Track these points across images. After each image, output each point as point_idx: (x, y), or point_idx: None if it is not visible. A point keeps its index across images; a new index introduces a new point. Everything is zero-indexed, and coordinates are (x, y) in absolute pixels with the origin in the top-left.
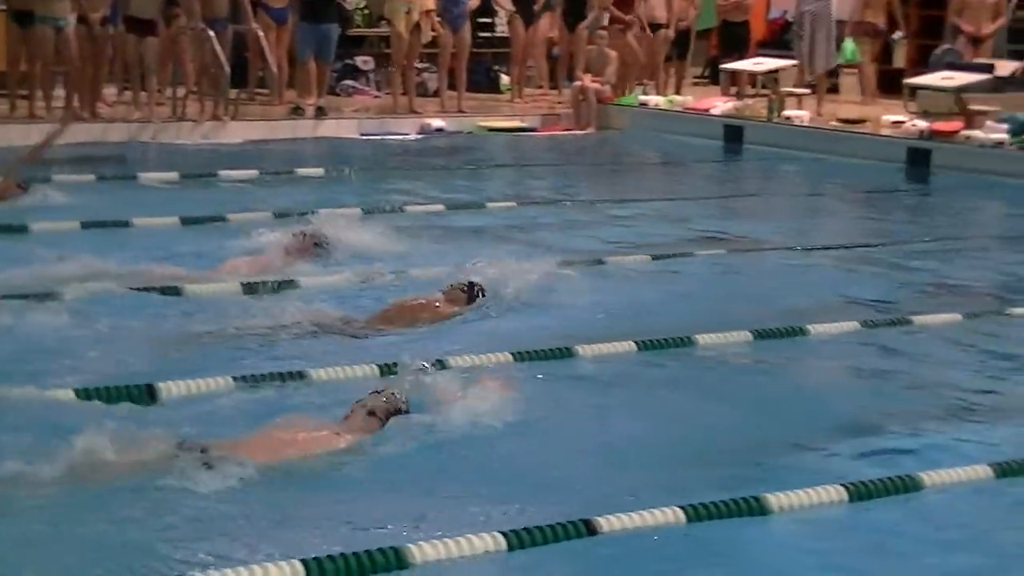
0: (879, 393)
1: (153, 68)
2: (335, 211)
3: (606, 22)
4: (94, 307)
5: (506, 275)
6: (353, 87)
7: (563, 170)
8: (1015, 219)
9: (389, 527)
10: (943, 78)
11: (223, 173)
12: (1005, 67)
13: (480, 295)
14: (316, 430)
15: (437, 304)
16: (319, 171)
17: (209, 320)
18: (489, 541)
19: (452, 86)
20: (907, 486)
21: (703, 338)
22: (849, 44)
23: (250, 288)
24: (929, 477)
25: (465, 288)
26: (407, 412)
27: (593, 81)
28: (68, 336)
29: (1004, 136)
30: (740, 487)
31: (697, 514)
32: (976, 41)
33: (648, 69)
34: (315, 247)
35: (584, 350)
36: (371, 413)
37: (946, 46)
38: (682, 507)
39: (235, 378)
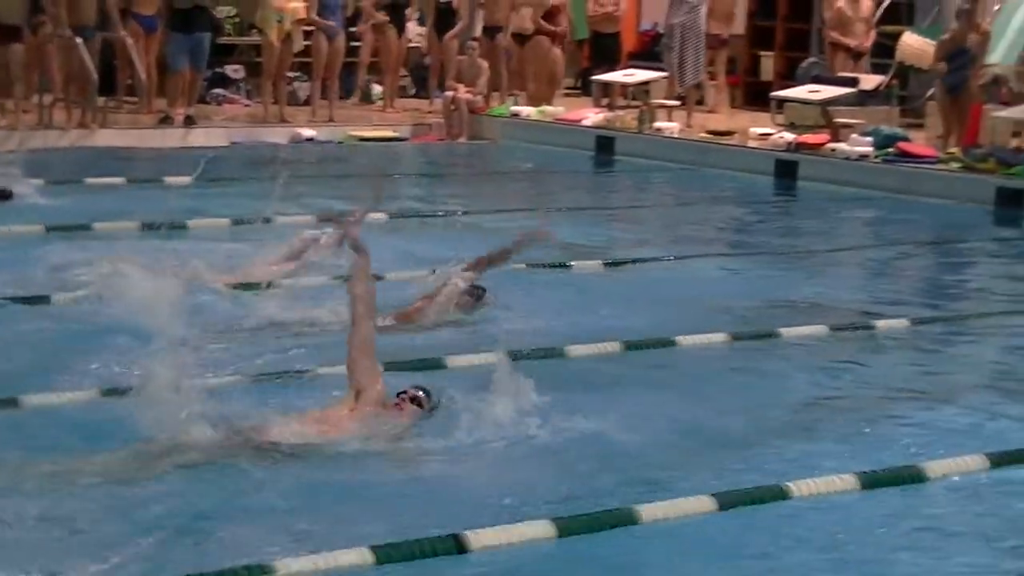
0: (745, 405)
1: (19, 75)
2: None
3: (478, 32)
4: None
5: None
6: (223, 96)
7: (434, 180)
8: (879, 231)
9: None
10: (809, 91)
11: (90, 181)
12: (869, 81)
13: (484, 295)
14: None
15: (434, 305)
16: (186, 180)
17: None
18: (356, 555)
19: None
20: (775, 495)
21: (574, 349)
22: None
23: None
24: (797, 487)
25: (470, 291)
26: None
27: (465, 91)
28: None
29: (869, 149)
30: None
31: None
32: (857, 55)
33: (519, 80)
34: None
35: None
36: (413, 400)
37: (812, 59)
38: (553, 520)
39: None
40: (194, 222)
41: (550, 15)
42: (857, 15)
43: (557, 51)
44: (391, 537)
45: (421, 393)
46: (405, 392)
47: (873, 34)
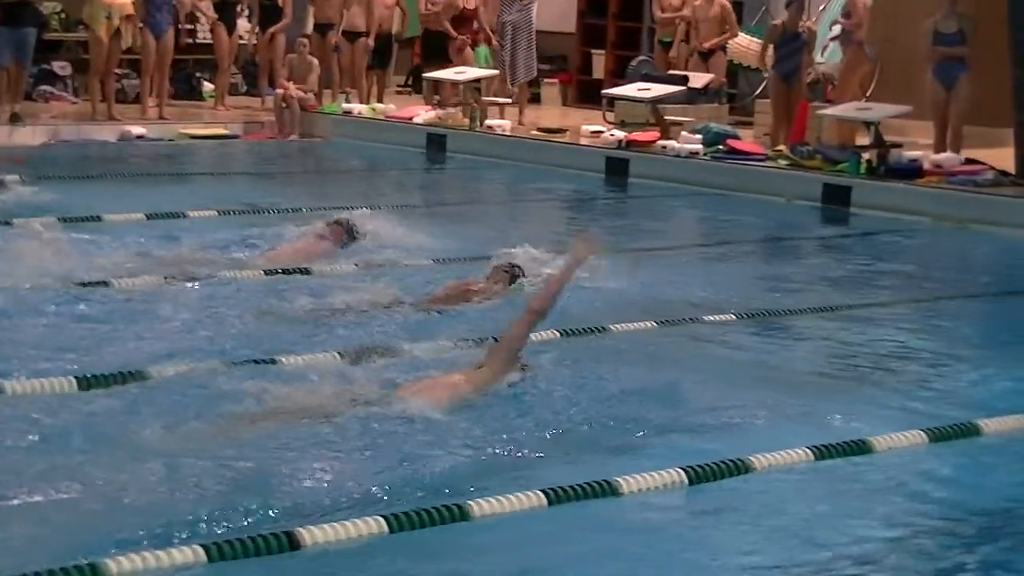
0: (572, 402)
1: None
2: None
3: (309, 29)
4: None
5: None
6: (50, 92)
7: (265, 178)
8: (708, 227)
9: None
10: (639, 89)
11: None
12: (699, 79)
13: (521, 275)
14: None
15: (481, 285)
16: (14, 177)
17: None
18: (189, 554)
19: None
20: (605, 491)
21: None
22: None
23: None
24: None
25: (507, 269)
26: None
27: (296, 89)
28: None
29: (698, 147)
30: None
31: (400, 524)
32: (706, 56)
33: (350, 77)
34: (347, 235)
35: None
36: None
37: (642, 57)
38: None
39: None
40: (19, 220)
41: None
42: (709, 15)
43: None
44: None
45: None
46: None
47: (727, 35)
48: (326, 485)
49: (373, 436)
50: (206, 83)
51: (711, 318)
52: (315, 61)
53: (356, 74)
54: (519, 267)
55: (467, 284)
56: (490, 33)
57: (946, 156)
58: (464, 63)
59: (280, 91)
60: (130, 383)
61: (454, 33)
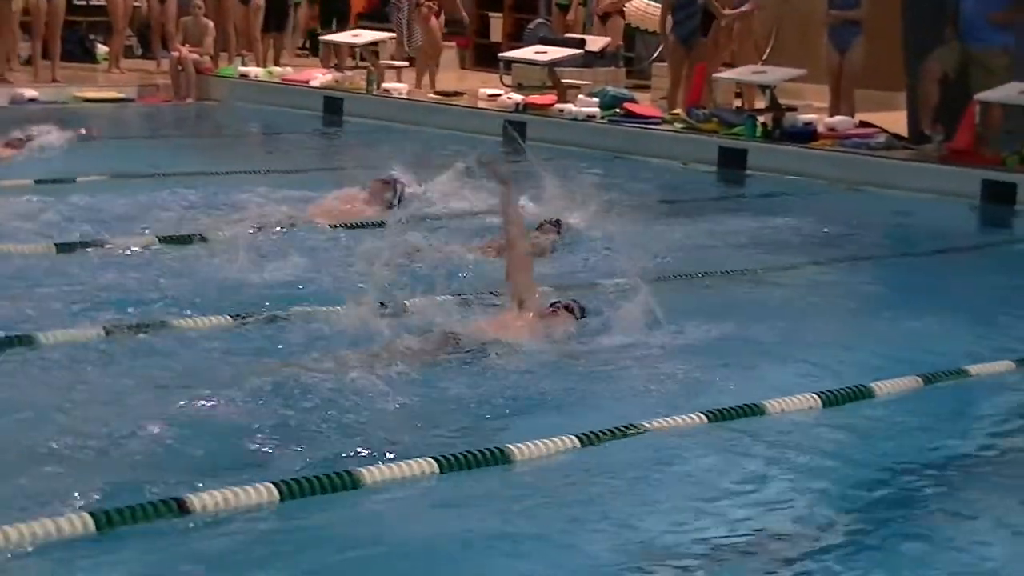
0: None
1: None
2: None
3: None
4: None
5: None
6: None
7: (160, 142)
8: (604, 191)
9: None
10: (536, 52)
11: None
12: (596, 43)
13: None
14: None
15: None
16: None
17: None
18: (77, 522)
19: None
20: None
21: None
22: None
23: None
24: (518, 450)
25: (553, 223)
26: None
27: (190, 51)
28: None
29: (595, 110)
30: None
31: (291, 491)
32: (604, 19)
33: (246, 40)
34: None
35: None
36: (567, 309)
37: (539, 20)
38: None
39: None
40: None
41: None
42: None
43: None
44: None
45: (573, 303)
46: (558, 302)
47: None
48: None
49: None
50: (100, 45)
51: (607, 282)
52: (210, 24)
53: (251, 37)
54: (559, 221)
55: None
56: None
57: (840, 119)
58: (430, 33)
59: (175, 54)
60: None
61: None
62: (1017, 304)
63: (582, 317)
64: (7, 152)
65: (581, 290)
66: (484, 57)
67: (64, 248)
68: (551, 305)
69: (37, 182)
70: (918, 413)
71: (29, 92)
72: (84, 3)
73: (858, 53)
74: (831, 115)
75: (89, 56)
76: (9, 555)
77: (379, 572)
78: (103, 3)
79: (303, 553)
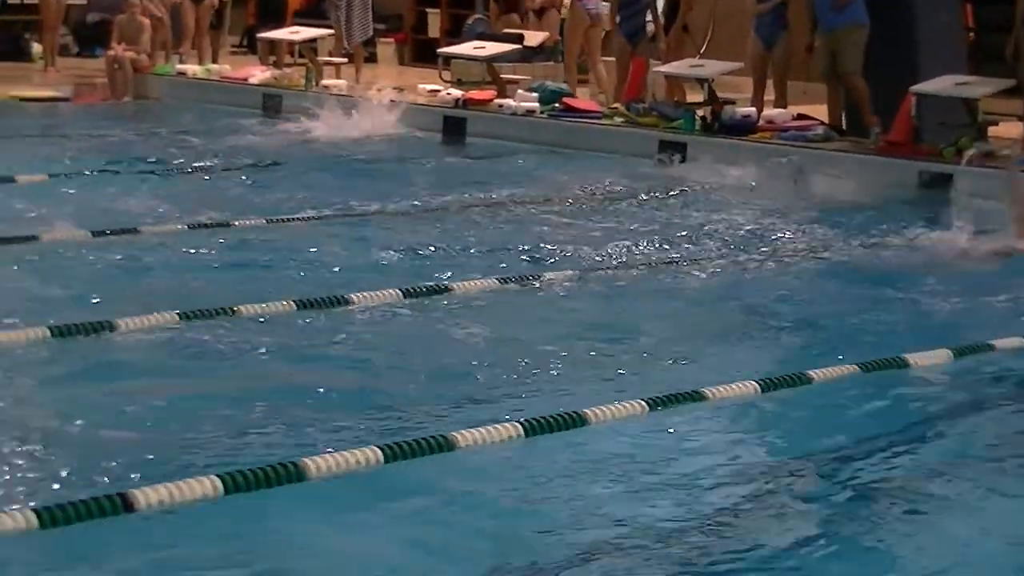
0: (417, 362)
1: None
2: None
3: None
4: None
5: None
6: None
7: (98, 141)
8: (543, 184)
9: None
10: (475, 47)
11: None
12: (534, 37)
13: None
14: None
15: None
16: None
17: None
18: (20, 519)
19: None
20: (441, 446)
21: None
22: None
23: None
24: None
25: None
26: None
27: (127, 50)
28: None
29: (535, 105)
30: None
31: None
32: (541, 12)
33: (192, 38)
34: None
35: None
36: None
37: (477, 16)
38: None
39: None
40: None
41: None
42: None
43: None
44: None
45: None
46: None
47: None
48: None
49: None
50: (35, 44)
51: (550, 275)
52: (146, 21)
53: (199, 34)
54: None
55: None
56: None
57: (778, 112)
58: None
59: (111, 52)
60: None
61: None
62: None
63: None
64: None
65: None
66: (422, 53)
67: None
68: None
69: None
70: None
71: None
72: (19, 1)
73: (782, 45)
74: (752, 106)
75: (24, 55)
76: None
77: None
78: (36, 1)
79: None
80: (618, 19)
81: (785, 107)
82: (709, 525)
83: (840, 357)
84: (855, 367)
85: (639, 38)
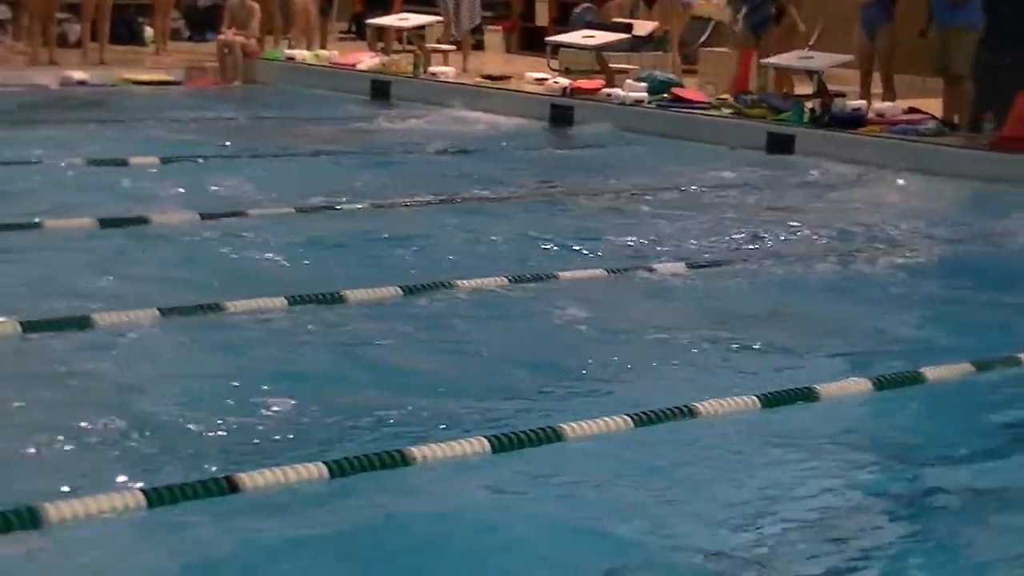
0: (524, 348)
1: None
2: None
3: None
4: None
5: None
6: None
7: (208, 124)
8: (649, 174)
9: None
10: (584, 36)
11: None
12: (643, 27)
13: None
14: None
15: None
16: None
17: None
18: (129, 498)
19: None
20: (550, 438)
21: (353, 294)
22: None
23: None
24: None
25: None
26: None
27: (237, 35)
28: None
29: (643, 94)
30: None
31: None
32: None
33: (302, 25)
34: None
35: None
36: None
37: (586, 5)
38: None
39: None
40: None
41: None
42: None
43: None
44: None
45: None
46: None
47: None
48: None
49: None
50: (148, 28)
51: (660, 266)
52: (256, 7)
53: (311, 21)
54: None
55: None
56: None
57: (889, 105)
58: None
59: (222, 37)
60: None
61: None
62: None
63: None
64: None
65: None
66: (529, 41)
67: None
68: None
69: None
70: None
71: (78, 75)
72: None
73: (884, 38)
74: (861, 100)
75: (137, 39)
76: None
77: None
78: None
79: None
80: (744, 10)
81: (894, 100)
82: (822, 520)
83: (954, 355)
84: (970, 365)
85: (764, 29)
